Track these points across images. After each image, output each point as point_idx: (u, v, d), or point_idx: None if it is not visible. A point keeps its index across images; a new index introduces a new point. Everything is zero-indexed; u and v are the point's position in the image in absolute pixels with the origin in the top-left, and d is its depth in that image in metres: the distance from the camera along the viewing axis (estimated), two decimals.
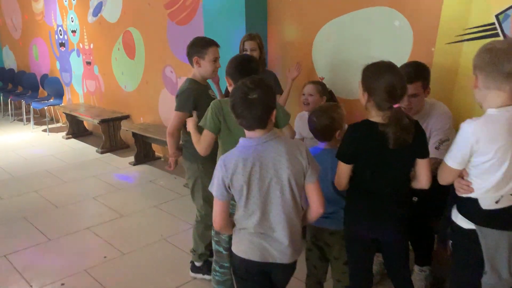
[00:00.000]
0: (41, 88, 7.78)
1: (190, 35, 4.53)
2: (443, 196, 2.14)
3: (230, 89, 2.25)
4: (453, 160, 1.72)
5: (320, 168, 1.82)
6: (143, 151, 5.48)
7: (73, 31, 6.81)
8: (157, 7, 5.02)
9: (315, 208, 1.81)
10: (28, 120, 7.64)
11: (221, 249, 2.50)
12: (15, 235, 3.60)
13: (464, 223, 1.78)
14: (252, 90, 1.64)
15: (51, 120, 7.70)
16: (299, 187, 1.75)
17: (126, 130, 5.54)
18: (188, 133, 2.66)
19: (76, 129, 6.80)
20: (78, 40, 6.77)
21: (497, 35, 2.51)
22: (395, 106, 1.76)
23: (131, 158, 5.50)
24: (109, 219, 3.86)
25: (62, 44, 7.24)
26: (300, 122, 3.17)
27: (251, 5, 3.64)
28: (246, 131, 1.75)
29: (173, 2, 4.78)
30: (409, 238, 2.16)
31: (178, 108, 2.59)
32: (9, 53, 9.02)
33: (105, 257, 3.23)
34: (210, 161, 2.40)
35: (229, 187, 1.73)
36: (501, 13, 2.47)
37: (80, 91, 7.12)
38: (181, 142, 2.76)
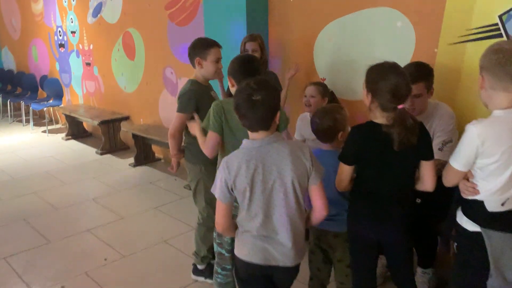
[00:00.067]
0: (40, 89, 7.76)
1: (190, 36, 4.54)
2: (447, 197, 2.12)
3: (232, 89, 2.23)
4: (458, 162, 1.71)
5: (324, 170, 1.80)
6: (143, 153, 5.46)
7: (73, 32, 6.79)
8: (157, 8, 5.00)
9: (319, 211, 1.80)
10: (27, 121, 7.62)
11: (223, 251, 2.48)
12: (15, 237, 3.58)
13: (469, 226, 1.76)
14: (257, 91, 1.62)
15: (51, 121, 7.68)
16: (302, 189, 1.73)
17: (126, 131, 5.52)
18: (191, 135, 2.64)
19: (76, 130, 6.78)
20: (77, 41, 6.75)
21: (500, 35, 2.49)
22: (400, 107, 1.74)
23: (131, 160, 5.47)
24: (109, 221, 3.83)
25: (61, 45, 7.22)
26: (301, 123, 3.15)
27: (252, 6, 3.62)
28: (249, 133, 1.73)
29: (173, 3, 4.76)
30: (412, 240, 2.14)
31: (180, 110, 2.57)
32: (8, 54, 8.99)
33: (105, 259, 3.21)
34: (212, 163, 2.39)
35: (232, 189, 1.72)
36: (504, 13, 2.46)
37: (79, 92, 7.10)
38: (183, 143, 2.74)
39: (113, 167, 5.36)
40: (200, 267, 2.90)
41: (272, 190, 1.70)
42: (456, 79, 2.73)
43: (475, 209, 1.73)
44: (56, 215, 3.99)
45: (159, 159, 5.58)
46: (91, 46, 6.46)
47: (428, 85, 2.39)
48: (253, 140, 1.71)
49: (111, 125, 5.92)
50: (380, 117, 1.81)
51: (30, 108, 7.20)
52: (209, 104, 2.46)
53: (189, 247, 3.22)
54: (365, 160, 1.86)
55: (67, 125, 6.72)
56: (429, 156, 1.85)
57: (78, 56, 6.85)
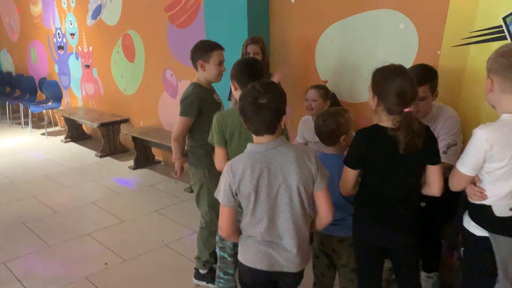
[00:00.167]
0: (39, 92, 7.73)
1: (190, 38, 4.55)
2: (452, 201, 2.10)
3: (235, 92, 2.22)
4: (465, 166, 1.68)
5: (329, 174, 1.78)
6: (143, 155, 5.43)
7: (72, 34, 6.77)
8: (157, 10, 4.98)
9: (324, 216, 1.78)
10: (26, 123, 7.58)
11: (225, 255, 2.46)
12: (14, 241, 3.55)
13: (477, 230, 1.74)
14: (262, 95, 1.60)
15: (50, 124, 7.65)
16: (307, 194, 1.71)
17: (125, 134, 5.49)
18: (194, 139, 2.62)
19: (75, 133, 6.75)
20: (77, 43, 6.73)
21: (504, 38, 2.47)
22: (406, 110, 1.72)
23: (131, 162, 5.45)
24: (110, 225, 3.81)
25: (60, 47, 7.19)
26: (303, 126, 3.14)
27: (253, 8, 3.60)
28: (254, 137, 1.71)
29: (173, 4, 4.74)
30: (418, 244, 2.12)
31: (182, 113, 2.55)
32: (7, 56, 8.96)
33: (106, 263, 3.18)
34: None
35: (236, 194, 1.70)
36: (508, 15, 2.44)
37: (78, 94, 7.07)
38: (186, 147, 2.72)
39: (113, 170, 5.33)
40: (202, 271, 2.88)
41: (277, 194, 1.68)
42: (459, 82, 2.71)
43: (483, 214, 1.71)
44: (56, 219, 3.96)
45: (159, 162, 5.56)
46: (91, 48, 6.44)
47: (433, 87, 2.38)
48: (258, 144, 1.69)
49: (110, 128, 5.89)
50: (386, 120, 1.79)
51: (29, 110, 7.16)
52: (212, 107, 2.44)
53: (191, 251, 3.20)
54: (371, 164, 1.84)
55: (66, 127, 6.69)
56: (435, 160, 1.82)
57: (77, 58, 6.83)
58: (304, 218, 1.75)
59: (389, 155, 1.78)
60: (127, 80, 5.86)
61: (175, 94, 5.06)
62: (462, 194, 1.96)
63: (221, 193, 1.72)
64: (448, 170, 2.05)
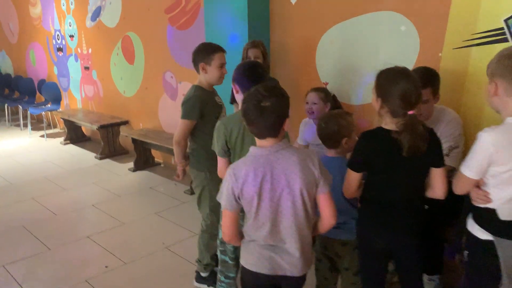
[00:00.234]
0: (38, 93, 7.70)
1: (190, 40, 4.55)
2: (455, 204, 2.10)
3: (236, 96, 2.21)
4: (470, 169, 1.68)
5: (332, 178, 1.77)
6: (143, 157, 5.42)
7: (71, 36, 6.75)
8: (157, 11, 4.97)
9: (327, 219, 1.76)
10: (25, 125, 7.57)
11: (227, 259, 2.45)
12: (14, 244, 3.53)
13: (481, 234, 1.73)
14: (266, 98, 1.59)
15: (49, 126, 7.63)
16: (310, 197, 1.70)
17: (125, 136, 5.48)
18: (195, 141, 2.61)
19: (74, 135, 6.73)
20: (76, 45, 6.72)
21: (506, 40, 2.47)
22: (410, 113, 1.71)
23: (131, 164, 5.43)
24: (110, 227, 3.79)
25: (59, 49, 7.18)
26: (304, 128, 3.13)
27: (253, 10, 3.59)
28: (257, 140, 1.70)
29: (173, 6, 4.73)
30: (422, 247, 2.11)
31: (184, 116, 2.54)
32: (5, 58, 8.94)
33: (106, 266, 3.17)
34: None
35: (238, 197, 1.68)
36: (510, 18, 2.44)
37: (78, 96, 7.06)
38: (188, 150, 2.71)
39: (113, 172, 5.31)
40: (203, 274, 2.86)
41: (280, 198, 1.67)
42: (461, 84, 2.71)
43: (487, 217, 1.71)
44: (55, 222, 3.94)
45: (159, 164, 5.55)
46: (90, 50, 6.43)
47: (435, 90, 2.37)
48: (261, 147, 1.68)
49: (110, 130, 5.88)
50: (389, 123, 1.78)
51: (28, 112, 7.14)
52: (213, 109, 2.43)
53: (191, 253, 3.18)
54: (374, 167, 1.83)
55: (66, 129, 6.67)
56: (439, 163, 1.82)
57: (76, 60, 6.82)
58: (307, 222, 1.74)
59: (393, 158, 1.77)
60: (126, 82, 5.85)
61: (175, 96, 5.05)
62: (465, 197, 1.95)
63: (223, 197, 1.71)
64: (450, 173, 2.05)
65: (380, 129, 1.81)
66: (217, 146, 2.21)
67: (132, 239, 3.58)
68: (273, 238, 1.71)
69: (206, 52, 2.54)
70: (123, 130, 5.76)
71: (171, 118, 5.22)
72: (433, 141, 1.79)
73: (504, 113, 1.64)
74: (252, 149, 1.70)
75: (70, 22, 6.68)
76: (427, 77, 2.34)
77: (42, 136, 7.02)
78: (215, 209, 2.61)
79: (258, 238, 1.73)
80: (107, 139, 5.87)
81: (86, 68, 6.62)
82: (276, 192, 1.66)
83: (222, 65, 2.56)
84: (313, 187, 1.69)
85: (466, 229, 1.81)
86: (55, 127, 7.72)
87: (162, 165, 5.52)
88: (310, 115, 2.98)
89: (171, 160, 5.35)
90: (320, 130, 2.19)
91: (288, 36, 3.66)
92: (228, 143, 2.19)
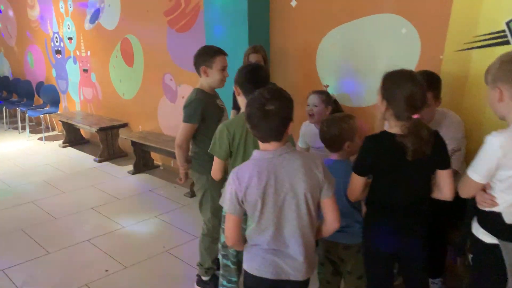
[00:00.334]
0: (36, 96, 7.68)
1: (190, 42, 4.54)
2: (458, 207, 2.09)
3: (239, 98, 2.20)
4: (477, 173, 1.66)
5: (335, 181, 1.76)
6: (142, 160, 5.40)
7: (70, 38, 6.73)
8: (156, 14, 4.96)
9: (331, 223, 1.76)
10: (23, 128, 7.54)
11: (228, 263, 2.44)
12: (13, 248, 3.50)
13: (486, 238, 1.72)
14: (270, 101, 1.58)
15: (47, 128, 7.60)
16: (314, 201, 1.69)
17: (124, 138, 5.46)
18: (197, 145, 2.60)
19: (73, 138, 6.70)
20: (74, 48, 6.69)
21: (507, 42, 2.47)
22: (415, 116, 1.70)
23: (130, 167, 5.42)
24: (110, 231, 3.77)
25: (58, 52, 7.16)
26: (305, 131, 3.12)
27: (253, 12, 3.58)
28: (260, 143, 1.69)
29: (173, 9, 4.72)
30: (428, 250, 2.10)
31: (186, 119, 2.53)
32: (3, 61, 8.91)
33: (106, 270, 3.15)
34: None
35: (242, 201, 1.67)
36: (511, 20, 2.44)
37: (76, 99, 7.03)
38: (190, 153, 2.70)
39: (112, 175, 5.29)
40: (204, 278, 2.85)
41: (284, 202, 1.66)
42: (462, 86, 2.71)
43: (493, 221, 1.70)
44: (55, 225, 3.92)
45: (158, 166, 5.53)
46: (89, 53, 6.41)
47: (436, 94, 2.36)
48: (265, 151, 1.67)
49: (109, 132, 5.86)
50: (394, 126, 1.77)
51: (26, 115, 7.12)
52: (215, 113, 2.41)
53: (192, 257, 3.17)
54: (379, 171, 1.83)
55: (64, 132, 6.65)
56: (446, 165, 1.80)
57: (75, 63, 6.80)
58: (311, 226, 1.73)
59: (398, 162, 1.76)
60: (126, 85, 5.83)
61: (175, 98, 5.03)
62: (469, 200, 1.95)
63: (226, 201, 1.70)
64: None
65: (384, 133, 1.81)
66: (218, 148, 2.20)
67: (132, 243, 3.56)
68: (277, 242, 1.70)
69: (207, 55, 2.53)
70: (122, 133, 5.74)
71: (170, 121, 5.21)
72: (439, 143, 1.78)
73: (510, 118, 1.62)
74: (255, 152, 1.69)
75: (68, 25, 6.67)
76: (429, 81, 2.31)
77: (41, 139, 6.99)
78: (216, 213, 2.60)
79: (261, 243, 1.72)
80: (106, 141, 5.85)
81: (85, 70, 6.60)
82: (280, 196, 1.65)
83: (223, 68, 2.55)
84: (317, 191, 1.68)
85: (471, 233, 1.80)
86: (53, 129, 7.70)
87: (161, 168, 5.50)
88: (310, 118, 2.97)
89: (171, 162, 5.34)
90: (322, 134, 2.18)
91: (289, 38, 3.65)
92: (231, 146, 2.18)
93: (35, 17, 7.47)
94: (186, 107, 2.53)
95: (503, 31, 2.48)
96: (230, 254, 2.42)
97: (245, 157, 2.13)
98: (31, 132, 7.41)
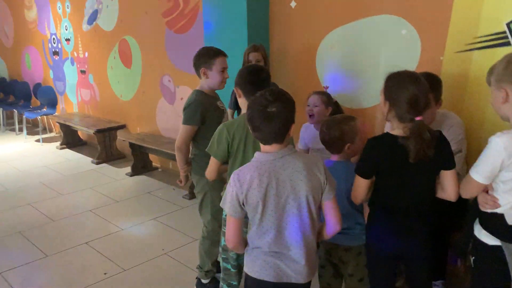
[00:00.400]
0: (34, 97, 7.65)
1: (189, 43, 4.52)
2: (460, 208, 2.08)
3: (239, 100, 2.18)
4: (480, 174, 1.65)
5: (336, 183, 1.75)
6: (140, 162, 5.38)
7: (67, 40, 6.71)
8: (154, 15, 4.94)
9: (332, 225, 1.74)
10: (20, 130, 7.50)
11: (229, 266, 2.42)
12: (11, 251, 3.47)
13: (489, 239, 1.71)
14: (272, 103, 1.57)
15: (44, 130, 7.56)
16: (316, 203, 1.68)
17: (122, 140, 5.43)
18: (197, 147, 2.58)
19: (71, 139, 6.67)
20: (72, 49, 6.67)
21: (508, 43, 2.47)
22: (417, 118, 1.69)
23: (128, 169, 5.39)
24: (108, 233, 3.74)
25: (55, 53, 7.13)
26: (305, 132, 3.10)
27: (253, 13, 3.57)
28: (261, 146, 1.67)
29: (171, 10, 4.71)
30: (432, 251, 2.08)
31: (185, 121, 2.51)
32: (0, 62, 8.86)
33: (105, 273, 3.12)
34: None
35: (243, 204, 1.65)
36: None
37: (74, 100, 7.00)
38: (190, 155, 2.68)
39: (110, 177, 5.26)
40: (204, 281, 2.83)
41: (286, 204, 1.64)
42: (463, 88, 2.70)
43: (495, 223, 1.68)
44: (52, 228, 3.89)
45: (157, 168, 5.50)
46: (86, 54, 6.38)
47: (437, 96, 2.35)
48: (266, 153, 1.65)
49: (107, 134, 5.83)
50: (396, 128, 1.76)
51: (24, 116, 7.08)
52: (215, 115, 2.39)
53: (191, 259, 3.15)
54: (383, 173, 1.81)
55: (62, 134, 6.62)
56: (450, 165, 1.79)
57: (72, 64, 6.77)
58: (312, 228, 1.71)
59: (401, 164, 1.75)
60: (123, 86, 5.81)
61: (173, 100, 5.01)
62: (469, 201, 1.94)
63: (227, 203, 1.68)
64: None
65: (386, 134, 1.80)
66: (216, 149, 2.18)
67: (131, 245, 3.54)
68: (278, 245, 1.69)
69: (207, 57, 2.51)
70: (120, 135, 5.72)
71: (168, 122, 5.19)
72: (442, 144, 1.77)
73: None
74: (257, 154, 1.68)
75: (66, 26, 6.64)
76: (429, 83, 2.27)
77: (38, 140, 6.96)
78: (217, 215, 2.58)
79: (263, 245, 1.70)
80: (104, 143, 5.82)
81: (83, 72, 6.58)
82: (281, 199, 1.63)
83: (223, 70, 2.53)
84: (319, 193, 1.67)
85: (473, 235, 1.79)
86: (51, 131, 7.66)
87: (160, 170, 5.48)
88: (310, 118, 2.96)
89: (169, 164, 5.31)
90: (323, 136, 2.16)
91: (288, 40, 3.64)
92: (230, 148, 2.16)
93: (32, 18, 7.44)
94: (186, 109, 2.52)
95: (504, 32, 2.47)
96: (230, 257, 2.40)
97: (245, 159, 2.12)
98: (28, 133, 7.38)
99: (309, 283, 1.80)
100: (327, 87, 3.42)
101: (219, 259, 2.50)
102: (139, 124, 5.71)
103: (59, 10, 6.68)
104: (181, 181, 2.70)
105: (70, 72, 6.88)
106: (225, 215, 2.18)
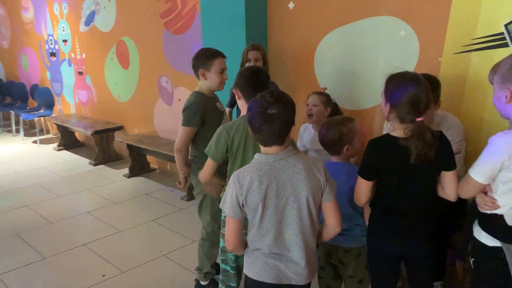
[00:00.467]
0: (30, 99, 7.62)
1: (186, 44, 4.52)
2: (459, 209, 2.08)
3: (239, 102, 2.18)
4: (480, 174, 1.65)
5: (336, 185, 1.75)
6: (138, 163, 5.36)
7: (64, 41, 6.69)
8: (152, 16, 4.93)
9: (333, 227, 1.75)
10: (17, 131, 7.47)
11: (228, 268, 2.41)
12: (8, 254, 3.45)
13: (489, 241, 1.71)
14: (272, 105, 1.56)
15: (42, 131, 7.53)
16: (316, 205, 1.68)
17: (120, 141, 5.42)
18: (197, 148, 2.57)
19: (68, 141, 6.65)
20: (69, 50, 6.65)
21: (506, 45, 2.48)
22: (418, 119, 1.69)
23: (126, 170, 5.37)
24: (106, 235, 3.73)
25: (52, 54, 7.10)
26: (304, 133, 3.10)
27: (251, 14, 3.57)
28: (262, 147, 1.67)
29: (169, 11, 4.70)
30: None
31: (185, 123, 2.50)
32: None
33: (103, 275, 3.11)
34: (219, 177, 2.32)
35: (243, 205, 1.65)
36: (510, 22, 2.44)
37: (71, 102, 6.98)
38: (189, 157, 2.67)
39: (108, 178, 5.25)
40: (203, 283, 2.82)
41: (286, 206, 1.64)
42: (461, 89, 2.71)
43: (495, 224, 1.69)
44: (50, 229, 3.87)
45: (154, 170, 5.49)
46: (84, 55, 6.37)
47: (435, 97, 2.35)
48: (266, 154, 1.65)
49: (104, 135, 5.82)
50: (397, 129, 1.76)
51: (21, 118, 7.04)
52: (215, 116, 2.38)
53: (190, 261, 3.14)
54: (384, 174, 1.81)
55: (59, 135, 6.59)
56: (451, 166, 1.79)
57: (70, 65, 6.75)
58: (312, 230, 1.71)
59: (402, 165, 1.75)
60: (121, 87, 5.79)
61: (171, 101, 5.00)
62: (468, 202, 1.94)
63: (227, 204, 1.68)
64: None
65: (387, 136, 1.80)
66: (214, 150, 2.18)
67: (129, 247, 3.53)
68: (278, 247, 1.69)
69: (205, 58, 2.50)
70: (117, 136, 5.70)
71: (166, 124, 5.18)
72: (443, 144, 1.77)
73: None
74: (257, 156, 1.67)
75: (63, 27, 6.62)
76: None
77: (35, 142, 6.93)
78: (216, 217, 2.58)
79: (262, 247, 1.70)
80: (101, 145, 5.81)
81: (80, 73, 6.56)
82: (281, 200, 1.63)
83: (222, 71, 2.52)
84: (319, 195, 1.67)
85: (472, 236, 1.79)
86: (48, 132, 7.63)
87: (157, 171, 5.46)
88: (309, 118, 2.96)
89: (167, 166, 5.30)
90: (322, 137, 2.17)
91: (286, 41, 3.64)
92: (229, 150, 2.16)
93: (29, 19, 7.42)
94: (185, 110, 2.51)
95: (502, 33, 2.48)
96: (229, 259, 2.39)
97: (244, 161, 2.11)
98: (25, 135, 7.35)
99: (309, 284, 1.80)
100: (325, 89, 3.42)
101: (218, 260, 2.50)
102: (136, 125, 5.70)
103: (56, 11, 6.66)
104: (180, 183, 2.69)
105: (67, 73, 6.86)
106: (224, 217, 2.18)
